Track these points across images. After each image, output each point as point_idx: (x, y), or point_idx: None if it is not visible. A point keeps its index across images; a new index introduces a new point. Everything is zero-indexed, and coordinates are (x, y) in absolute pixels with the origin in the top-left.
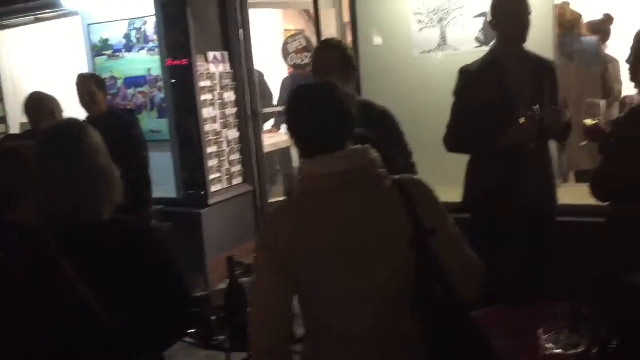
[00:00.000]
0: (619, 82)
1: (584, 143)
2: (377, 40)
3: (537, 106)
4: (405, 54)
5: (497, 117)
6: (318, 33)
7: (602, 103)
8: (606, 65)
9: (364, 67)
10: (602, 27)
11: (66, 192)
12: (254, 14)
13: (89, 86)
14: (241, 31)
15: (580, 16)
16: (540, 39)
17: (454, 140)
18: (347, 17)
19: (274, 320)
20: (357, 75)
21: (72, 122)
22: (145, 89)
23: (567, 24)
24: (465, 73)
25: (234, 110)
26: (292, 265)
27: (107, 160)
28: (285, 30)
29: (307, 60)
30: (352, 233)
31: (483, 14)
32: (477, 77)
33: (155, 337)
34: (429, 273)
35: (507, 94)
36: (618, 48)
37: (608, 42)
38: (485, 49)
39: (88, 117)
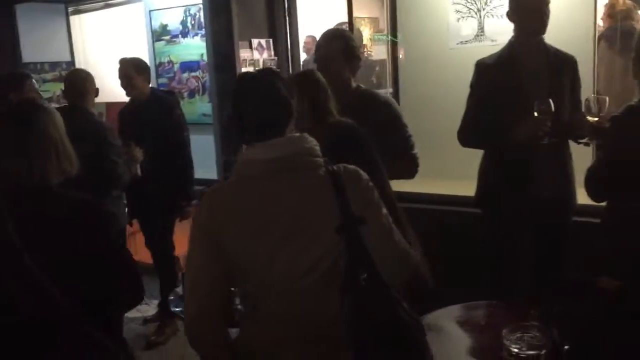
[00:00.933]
0: None
1: (585, 140)
2: (415, 29)
3: (551, 100)
4: (442, 44)
5: (512, 111)
6: (394, 20)
7: (606, 99)
8: None
9: (402, 56)
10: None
11: (17, 154)
12: (316, 2)
13: (127, 70)
14: (287, 18)
15: (635, 6)
16: (579, 31)
17: (467, 134)
18: None
19: (205, 292)
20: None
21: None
22: (198, 73)
23: (619, 15)
24: (481, 66)
25: None
26: (223, 244)
27: (59, 133)
28: (356, 17)
29: None
30: (280, 217)
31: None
32: (493, 71)
33: (96, 309)
34: (356, 260)
35: (522, 87)
36: None
37: None
38: None
39: (131, 101)
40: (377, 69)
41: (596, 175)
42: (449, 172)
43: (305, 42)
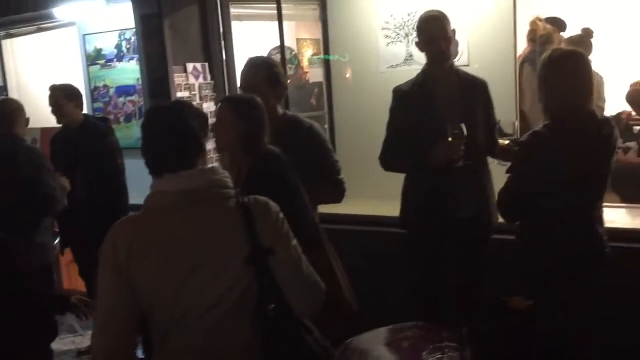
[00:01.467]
0: (601, 99)
1: (496, 162)
2: (346, 54)
3: (463, 124)
4: (373, 68)
5: (427, 136)
6: (325, 42)
7: (515, 122)
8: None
9: (334, 80)
10: (581, 42)
11: None
12: (254, 26)
13: (57, 98)
14: (223, 42)
15: (554, 30)
16: (500, 55)
17: (387, 159)
18: None
19: (113, 334)
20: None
21: None
22: (134, 97)
23: (540, 39)
24: (398, 92)
25: (213, 120)
26: (129, 279)
27: None
28: (298, 39)
29: (291, 72)
30: (187, 250)
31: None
32: (408, 97)
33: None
34: (265, 291)
35: (435, 112)
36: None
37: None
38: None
39: (63, 127)
40: (315, 90)
41: (506, 197)
42: (382, 192)
43: None
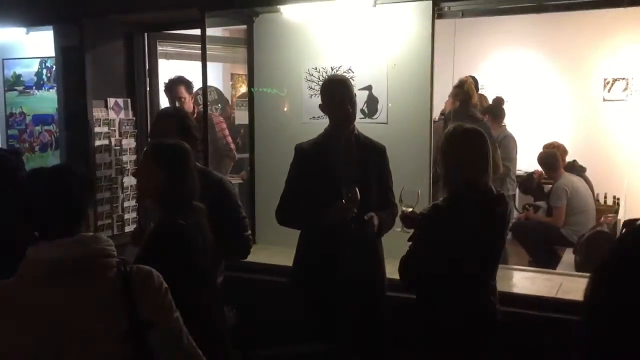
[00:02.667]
0: (509, 159)
1: (399, 229)
2: (274, 100)
3: (357, 188)
4: (297, 117)
5: (322, 196)
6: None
7: (419, 191)
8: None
9: (257, 126)
10: (493, 109)
11: None
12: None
13: None
14: (148, 79)
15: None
16: (417, 115)
17: (283, 214)
18: None
19: None
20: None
21: None
22: (52, 127)
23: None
24: (299, 150)
25: (133, 157)
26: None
27: None
28: (233, 74)
29: (217, 112)
30: (55, 326)
31: (368, 87)
32: (308, 155)
33: None
34: None
35: (332, 174)
36: (517, 126)
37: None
38: (369, 121)
39: None
40: (242, 131)
41: (406, 265)
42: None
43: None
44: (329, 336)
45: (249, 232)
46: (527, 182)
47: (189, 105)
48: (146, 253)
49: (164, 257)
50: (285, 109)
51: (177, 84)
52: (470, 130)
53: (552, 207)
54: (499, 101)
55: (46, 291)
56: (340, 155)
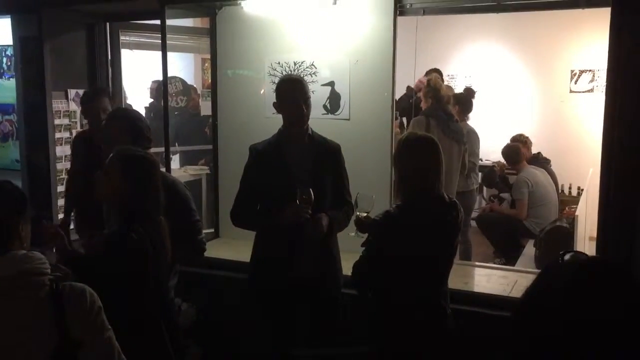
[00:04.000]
0: (474, 155)
1: (353, 234)
2: (234, 97)
3: (311, 189)
4: (259, 112)
5: (276, 196)
6: (215, 81)
7: (374, 196)
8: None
9: (221, 118)
10: (462, 101)
11: None
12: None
13: None
14: (110, 69)
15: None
16: (379, 111)
17: (237, 216)
18: None
19: None
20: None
21: None
22: (12, 117)
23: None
24: (253, 151)
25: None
26: None
27: None
28: (204, 58)
29: (182, 104)
30: None
31: (330, 83)
32: (262, 156)
33: None
34: None
35: (286, 174)
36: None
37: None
38: (331, 117)
39: None
40: (209, 121)
41: (358, 270)
42: None
43: (150, 88)
44: (286, 335)
45: (202, 235)
46: (490, 175)
47: None
48: (97, 261)
49: (114, 267)
50: (248, 102)
51: (100, 95)
52: (422, 138)
53: (515, 200)
54: (468, 92)
55: None
56: (294, 155)
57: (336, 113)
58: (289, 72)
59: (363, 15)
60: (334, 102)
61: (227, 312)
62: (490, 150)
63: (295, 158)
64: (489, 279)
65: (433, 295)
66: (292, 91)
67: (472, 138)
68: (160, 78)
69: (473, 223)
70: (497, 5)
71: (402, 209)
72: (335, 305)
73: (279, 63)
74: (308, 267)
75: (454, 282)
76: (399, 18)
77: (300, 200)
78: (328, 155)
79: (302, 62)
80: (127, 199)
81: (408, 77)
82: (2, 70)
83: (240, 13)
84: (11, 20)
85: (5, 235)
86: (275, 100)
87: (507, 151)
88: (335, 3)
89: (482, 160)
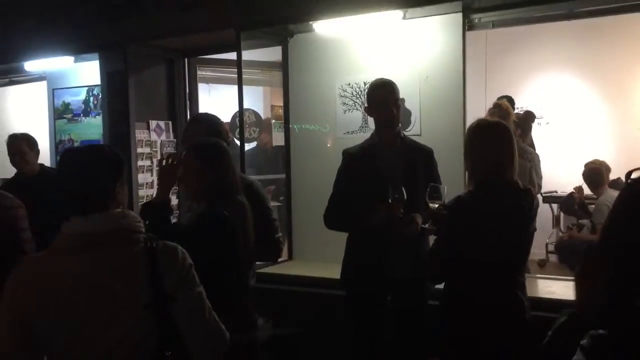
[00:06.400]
0: (538, 175)
1: (427, 225)
2: (308, 119)
3: (403, 188)
4: (331, 133)
5: (369, 197)
6: (286, 107)
7: (445, 187)
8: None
9: (293, 145)
10: (523, 124)
11: None
12: (222, 88)
13: (20, 146)
14: (188, 102)
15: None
16: (449, 127)
17: (331, 218)
18: None
19: None
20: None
21: None
22: None
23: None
24: (346, 155)
25: None
26: (26, 319)
27: None
28: (273, 105)
29: (255, 134)
30: (85, 293)
31: (401, 100)
32: (354, 158)
33: None
34: (164, 338)
35: (378, 175)
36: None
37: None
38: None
39: (18, 175)
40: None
41: (431, 259)
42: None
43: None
44: (372, 335)
45: (280, 234)
46: (568, 202)
47: (32, 161)
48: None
49: (204, 244)
50: (320, 126)
51: (18, 139)
52: (494, 123)
53: (595, 225)
54: (527, 115)
55: (75, 260)
56: (387, 156)
57: (407, 129)
58: (359, 93)
59: (432, 31)
60: (405, 118)
61: (303, 328)
62: (566, 182)
63: (387, 160)
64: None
65: (508, 285)
66: (383, 94)
67: (534, 157)
68: (233, 110)
69: (551, 247)
70: (568, 13)
71: (474, 194)
72: (420, 308)
73: (349, 84)
74: (399, 269)
75: (537, 292)
76: (468, 45)
77: (393, 199)
78: (420, 158)
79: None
80: (209, 182)
81: (479, 107)
82: (89, 109)
83: (311, 39)
84: (99, 57)
85: (104, 195)
86: (366, 105)
87: (589, 173)
88: (405, 17)
89: (556, 192)
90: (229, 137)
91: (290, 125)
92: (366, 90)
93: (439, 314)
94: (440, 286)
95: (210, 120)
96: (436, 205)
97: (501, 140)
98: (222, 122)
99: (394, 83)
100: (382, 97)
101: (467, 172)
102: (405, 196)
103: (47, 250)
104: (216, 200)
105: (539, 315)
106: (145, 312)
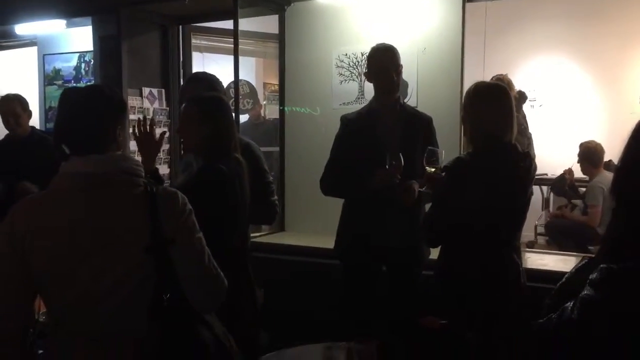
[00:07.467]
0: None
1: (424, 188)
2: (302, 90)
3: (401, 154)
4: (326, 104)
5: (366, 163)
6: (282, 78)
7: (442, 152)
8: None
9: (287, 116)
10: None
11: None
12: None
13: (14, 107)
14: (182, 70)
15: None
16: (446, 100)
17: (327, 184)
18: None
19: (3, 305)
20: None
21: None
22: None
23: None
24: (344, 120)
25: (166, 146)
26: (25, 256)
27: None
28: (265, 83)
29: (249, 106)
30: (84, 233)
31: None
32: (352, 124)
33: None
34: (162, 281)
35: (376, 141)
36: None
37: None
38: None
39: (8, 137)
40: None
41: (429, 221)
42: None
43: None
44: (365, 308)
45: (275, 197)
46: (559, 183)
47: (24, 123)
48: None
49: (203, 200)
50: (316, 96)
51: (10, 101)
52: (493, 85)
53: (588, 206)
54: (520, 95)
55: (73, 200)
56: (385, 123)
57: (404, 101)
58: (356, 63)
59: (431, 3)
60: (402, 90)
61: (295, 297)
62: (557, 164)
63: (386, 127)
64: (565, 262)
65: (505, 249)
66: (383, 60)
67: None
68: (227, 81)
69: (540, 229)
70: None
71: (473, 155)
72: (415, 280)
73: (346, 54)
74: (394, 237)
75: (529, 264)
76: (468, 19)
77: (390, 166)
78: (419, 125)
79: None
80: (208, 135)
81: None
82: (80, 76)
83: (309, 7)
84: (92, 21)
85: (105, 136)
86: (366, 71)
87: (586, 152)
88: None
89: (547, 175)
90: (227, 97)
91: (285, 99)
92: (364, 59)
93: (435, 278)
94: (434, 257)
95: (210, 79)
96: (433, 169)
97: (500, 101)
98: (221, 82)
99: (395, 49)
100: (383, 62)
101: (465, 136)
102: (403, 162)
103: (48, 189)
104: (214, 155)
105: (534, 286)
106: (144, 254)
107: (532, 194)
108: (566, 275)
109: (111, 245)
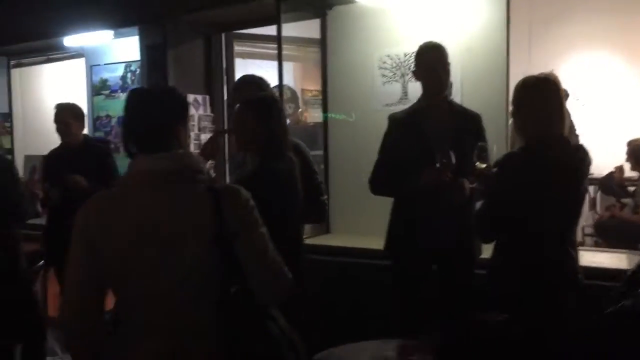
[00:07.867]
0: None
1: (474, 185)
2: (345, 93)
3: (452, 152)
4: (369, 106)
5: (416, 162)
6: (324, 82)
7: (493, 147)
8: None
9: (331, 119)
10: None
11: None
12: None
13: (64, 116)
14: (225, 77)
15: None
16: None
17: (376, 183)
18: None
19: (81, 301)
20: None
21: None
22: None
23: None
24: (392, 119)
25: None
26: (99, 253)
27: None
28: (303, 89)
29: (291, 110)
30: (155, 229)
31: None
32: (402, 124)
33: None
34: (228, 275)
35: (425, 139)
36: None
37: None
38: None
39: (63, 145)
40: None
41: (482, 217)
42: (375, 229)
43: None
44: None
45: (325, 196)
46: (608, 181)
47: (76, 131)
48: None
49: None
50: (359, 98)
51: (63, 109)
52: (543, 78)
53: (638, 205)
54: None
55: (147, 198)
56: (434, 121)
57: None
58: (399, 64)
59: (474, 1)
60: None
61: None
62: (603, 165)
63: (434, 126)
64: (620, 259)
65: (560, 242)
66: (432, 58)
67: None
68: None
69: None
70: None
71: (524, 149)
72: (467, 274)
73: (388, 56)
74: (445, 237)
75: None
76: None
77: (440, 164)
78: (468, 123)
79: (412, 53)
80: (262, 135)
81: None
82: (126, 85)
83: (350, 10)
84: (139, 30)
85: (170, 134)
86: (414, 69)
87: (636, 149)
88: None
89: (593, 174)
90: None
91: (328, 103)
92: (407, 60)
93: (488, 276)
94: (487, 255)
95: (259, 82)
96: (484, 166)
97: (550, 93)
98: (269, 83)
99: (443, 47)
100: (431, 61)
101: (515, 131)
102: (454, 161)
103: (117, 186)
104: (270, 155)
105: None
106: (209, 248)
107: (586, 189)
108: (637, 262)
109: (179, 240)
